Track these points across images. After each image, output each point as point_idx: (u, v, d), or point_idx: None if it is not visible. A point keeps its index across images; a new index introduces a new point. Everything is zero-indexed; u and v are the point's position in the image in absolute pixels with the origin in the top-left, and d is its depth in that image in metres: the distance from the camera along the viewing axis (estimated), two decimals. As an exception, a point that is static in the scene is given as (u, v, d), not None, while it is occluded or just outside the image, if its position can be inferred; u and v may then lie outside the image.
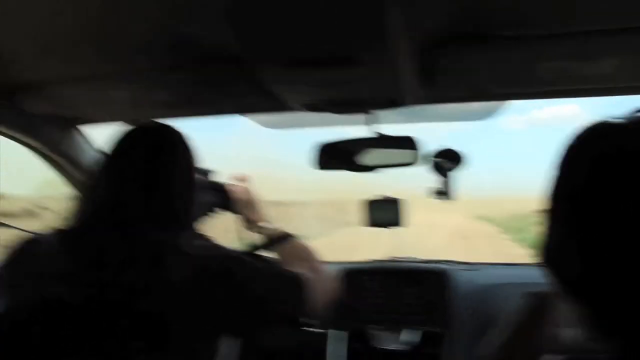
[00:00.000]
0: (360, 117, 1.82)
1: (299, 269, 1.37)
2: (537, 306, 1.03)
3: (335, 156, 1.94)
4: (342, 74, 1.37)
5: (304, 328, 2.22)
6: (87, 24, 1.28)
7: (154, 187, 1.21)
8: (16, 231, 1.71)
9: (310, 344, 2.18)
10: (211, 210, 1.82)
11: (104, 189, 1.22)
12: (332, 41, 1.21)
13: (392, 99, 1.60)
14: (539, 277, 2.20)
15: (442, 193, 1.98)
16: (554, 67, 1.36)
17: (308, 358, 2.20)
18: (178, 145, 1.31)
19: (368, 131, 1.83)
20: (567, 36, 1.22)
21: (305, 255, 1.54)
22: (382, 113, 1.79)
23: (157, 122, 1.35)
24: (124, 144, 1.29)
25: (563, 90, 1.59)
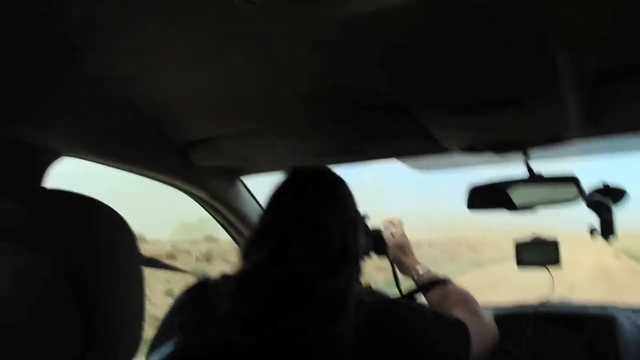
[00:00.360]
0: (516, 155, 1.80)
1: (457, 313, 1.35)
2: None
3: (488, 197, 1.92)
4: (505, 116, 1.36)
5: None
6: (250, 84, 1.37)
7: (323, 231, 1.21)
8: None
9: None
10: (367, 255, 1.86)
11: (273, 235, 1.22)
12: (496, 84, 1.22)
13: (553, 137, 1.56)
14: None
15: (603, 231, 1.90)
16: None
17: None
18: (343, 189, 1.33)
19: (522, 169, 1.80)
20: None
21: (462, 298, 1.50)
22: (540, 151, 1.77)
23: (318, 166, 1.38)
24: (292, 188, 1.31)
25: None
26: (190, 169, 1.96)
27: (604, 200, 1.87)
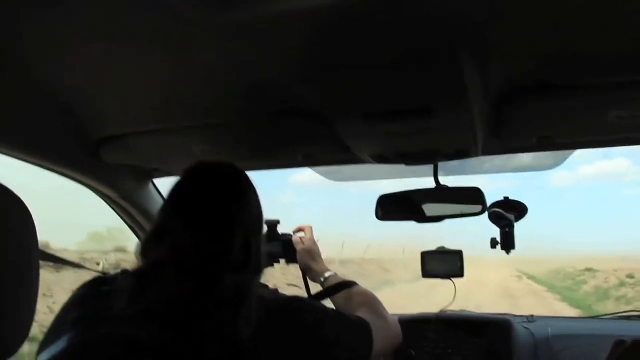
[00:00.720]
0: (424, 169, 1.87)
1: (361, 314, 1.37)
2: (627, 353, 1.05)
3: (397, 207, 1.98)
4: (417, 126, 1.41)
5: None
6: (166, 81, 1.37)
7: (224, 228, 1.18)
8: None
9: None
10: (276, 261, 1.88)
11: (173, 231, 1.18)
12: (408, 94, 1.27)
13: (462, 150, 1.63)
14: (594, 330, 2.19)
15: (504, 244, 1.99)
16: (625, 115, 1.37)
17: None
18: (247, 185, 1.29)
19: (431, 182, 1.88)
20: (636, 82, 1.24)
21: (367, 300, 1.53)
22: (447, 164, 1.84)
23: (221, 161, 1.33)
24: (193, 183, 1.27)
25: (633, 137, 1.60)
26: (100, 167, 1.91)
27: (506, 214, 1.96)
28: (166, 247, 1.14)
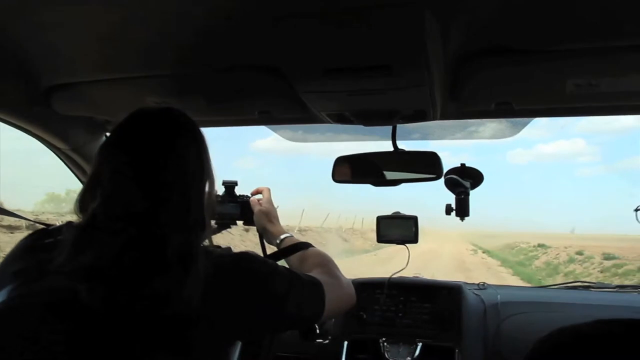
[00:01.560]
0: (383, 132, 1.86)
1: (314, 274, 1.37)
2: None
3: (354, 169, 1.97)
4: (375, 83, 1.40)
5: (318, 340, 2.23)
6: (117, 29, 1.31)
7: (160, 180, 1.11)
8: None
9: (324, 355, 2.19)
10: (234, 223, 1.87)
11: (104, 181, 1.11)
12: (370, 51, 1.24)
13: (420, 111, 1.62)
14: (541, 298, 2.24)
15: (458, 211, 2.00)
16: (583, 83, 1.38)
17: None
18: (192, 136, 1.21)
19: (389, 146, 1.87)
20: (596, 51, 1.24)
21: (321, 261, 1.52)
22: (405, 128, 1.83)
23: (164, 107, 1.27)
24: (131, 130, 1.18)
25: (590, 107, 1.62)
26: (51, 117, 1.85)
27: (462, 180, 1.97)
28: (98, 200, 1.09)
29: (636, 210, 0.89)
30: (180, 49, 1.41)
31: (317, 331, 2.23)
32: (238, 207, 1.85)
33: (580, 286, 2.62)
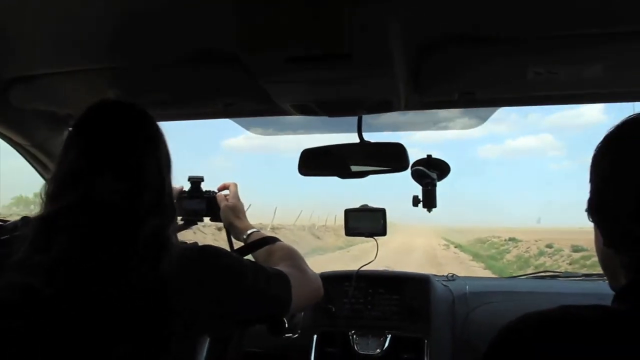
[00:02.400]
0: (349, 124, 1.85)
1: (281, 267, 1.36)
2: None
3: (320, 162, 1.95)
4: (338, 72, 1.38)
5: (287, 335, 2.22)
6: (83, 19, 1.28)
7: (135, 170, 1.13)
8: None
9: (294, 349, 2.18)
10: (200, 219, 1.84)
11: (80, 174, 1.11)
12: (331, 38, 1.23)
13: (384, 102, 1.62)
14: (509, 287, 2.26)
15: (425, 202, 2.00)
16: (543, 71, 1.39)
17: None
18: (155, 127, 1.23)
19: (355, 138, 1.86)
20: (555, 39, 1.25)
21: (287, 254, 1.52)
22: (370, 119, 1.82)
23: (125, 101, 1.26)
24: (98, 122, 1.18)
25: (551, 96, 1.64)
26: (10, 111, 1.81)
27: (428, 172, 1.97)
28: (77, 191, 1.08)
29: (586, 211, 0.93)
30: (140, 40, 1.39)
31: (286, 325, 2.22)
32: (204, 203, 1.82)
33: (547, 276, 2.66)
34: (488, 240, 42.08)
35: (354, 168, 1.93)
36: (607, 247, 0.89)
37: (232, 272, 1.19)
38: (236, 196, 1.77)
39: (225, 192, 1.79)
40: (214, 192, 1.82)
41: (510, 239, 36.33)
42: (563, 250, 25.17)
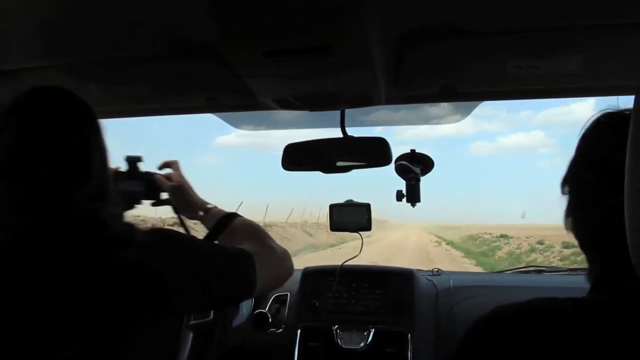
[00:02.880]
0: (332, 119, 1.85)
1: (245, 246, 1.31)
2: None
3: (304, 157, 1.95)
4: (317, 66, 1.38)
5: (271, 329, 2.23)
6: (59, 12, 1.27)
7: (78, 160, 1.08)
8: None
9: (278, 343, 2.19)
10: (138, 202, 1.73)
11: (22, 161, 1.04)
12: (309, 31, 1.23)
13: (364, 96, 1.62)
14: (493, 282, 2.27)
15: (409, 197, 2.00)
16: (523, 64, 1.39)
17: (276, 356, 2.22)
18: (90, 114, 1.15)
19: (338, 132, 1.86)
20: (536, 32, 1.25)
21: (251, 232, 1.47)
22: (353, 114, 1.82)
23: (59, 87, 1.17)
24: (35, 108, 1.10)
25: (532, 90, 1.64)
26: None
27: (412, 167, 1.97)
28: (16, 180, 1.04)
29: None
30: (117, 33, 1.38)
31: (270, 320, 2.23)
32: (142, 185, 1.68)
33: (533, 270, 2.67)
34: (480, 237, 42.25)
35: (337, 163, 1.92)
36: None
37: (189, 253, 1.15)
38: (181, 174, 1.67)
39: (168, 171, 1.69)
40: (152, 172, 1.70)
41: (502, 236, 36.48)
42: (554, 247, 25.28)
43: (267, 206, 31.99)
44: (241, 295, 1.32)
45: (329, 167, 1.93)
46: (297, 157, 1.95)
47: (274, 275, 1.37)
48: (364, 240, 2.24)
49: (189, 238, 1.21)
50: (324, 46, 1.27)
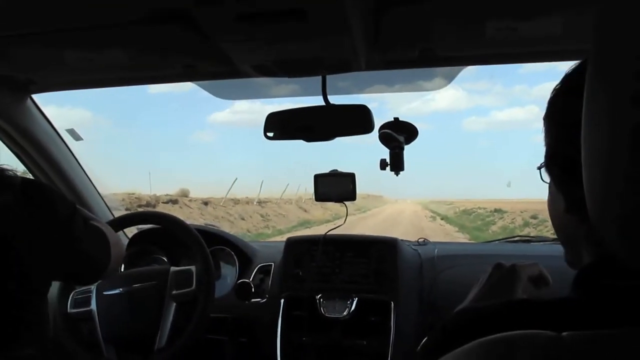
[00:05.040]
0: (313, 87, 1.82)
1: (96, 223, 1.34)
2: (506, 274, 1.06)
3: (286, 125, 1.93)
4: (292, 30, 1.36)
5: (255, 300, 2.23)
6: None
7: None
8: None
9: (261, 313, 2.19)
10: None
11: None
12: None
13: (343, 62, 1.59)
14: (479, 251, 2.27)
15: (393, 165, 1.99)
16: (502, 26, 1.37)
17: (260, 326, 2.22)
18: None
19: (319, 100, 1.84)
20: None
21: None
22: (335, 81, 1.80)
23: None
24: None
25: (513, 53, 1.62)
26: None
27: (396, 135, 1.95)
28: None
29: (539, 168, 0.83)
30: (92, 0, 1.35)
31: (253, 290, 2.23)
32: None
33: (520, 240, 2.67)
34: (474, 212, 42.41)
35: (319, 131, 1.91)
36: (570, 214, 0.72)
37: (67, 220, 1.15)
38: None
39: None
40: None
41: (496, 210, 36.61)
42: (547, 221, 25.24)
43: (262, 182, 31.99)
44: (99, 264, 1.31)
45: (311, 135, 1.91)
46: (278, 125, 1.93)
47: (119, 253, 1.40)
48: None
49: (62, 197, 1.19)
50: (298, 9, 1.24)
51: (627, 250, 0.48)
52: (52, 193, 1.17)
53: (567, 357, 0.50)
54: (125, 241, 2.52)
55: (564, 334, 0.51)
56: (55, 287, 2.00)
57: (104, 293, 2.03)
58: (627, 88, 0.43)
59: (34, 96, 2.13)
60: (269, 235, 20.39)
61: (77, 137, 2.45)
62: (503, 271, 1.08)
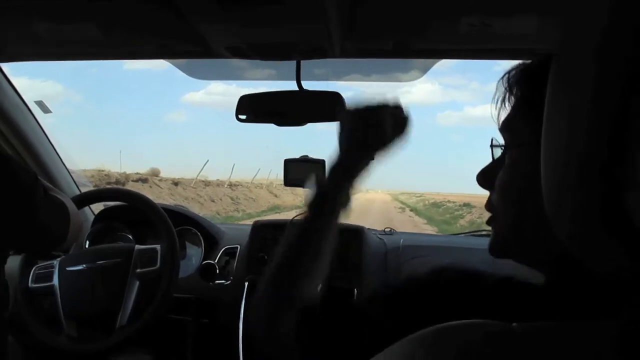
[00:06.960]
0: (289, 72, 1.82)
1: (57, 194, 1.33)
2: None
3: (259, 108, 1.93)
4: (268, 13, 1.35)
5: (219, 281, 2.23)
6: None
7: None
8: None
9: (225, 295, 2.19)
10: None
11: None
12: None
13: (317, 48, 1.59)
14: (443, 242, 2.31)
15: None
16: (476, 22, 1.38)
17: (223, 308, 2.22)
18: None
19: (294, 86, 1.84)
20: None
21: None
22: (311, 67, 1.80)
23: None
24: None
25: (487, 50, 1.64)
26: None
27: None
28: None
29: (491, 146, 0.81)
30: None
31: (217, 272, 2.23)
32: None
33: (486, 234, 2.70)
34: (443, 205, 42.70)
35: (291, 115, 1.91)
36: None
37: (30, 189, 1.15)
38: None
39: None
40: None
41: (465, 205, 36.88)
42: (514, 218, 25.71)
43: (234, 165, 31.88)
44: (58, 235, 1.30)
45: (282, 120, 1.91)
46: (251, 108, 1.92)
47: (77, 224, 1.38)
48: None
49: (16, 166, 1.18)
50: None
51: (578, 249, 0.49)
52: (11, 161, 1.16)
53: (514, 349, 0.50)
54: (91, 217, 2.50)
55: (514, 324, 0.51)
56: (16, 261, 1.97)
57: (67, 269, 2.00)
58: (587, 90, 0.44)
59: (2, 65, 2.08)
60: (239, 218, 20.33)
61: (45, 110, 2.41)
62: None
